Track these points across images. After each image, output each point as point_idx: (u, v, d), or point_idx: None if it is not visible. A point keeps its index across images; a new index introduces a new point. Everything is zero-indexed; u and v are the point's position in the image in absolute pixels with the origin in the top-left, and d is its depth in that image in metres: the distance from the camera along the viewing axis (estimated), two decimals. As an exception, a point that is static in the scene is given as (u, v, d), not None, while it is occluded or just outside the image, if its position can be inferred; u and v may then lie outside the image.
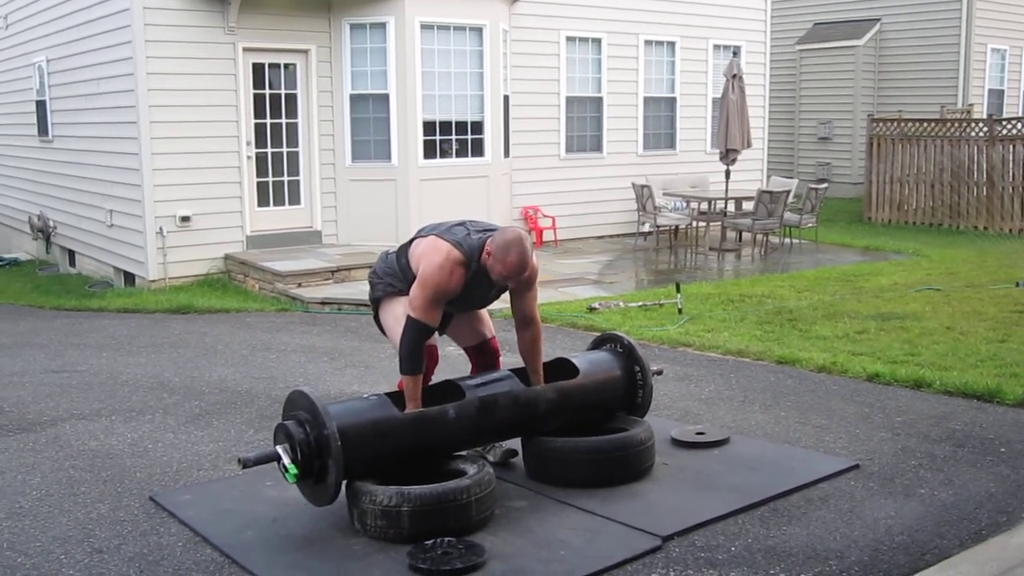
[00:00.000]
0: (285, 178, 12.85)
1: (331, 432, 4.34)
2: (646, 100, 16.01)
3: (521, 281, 4.88)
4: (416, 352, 4.69)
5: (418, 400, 4.72)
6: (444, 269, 4.70)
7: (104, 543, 4.52)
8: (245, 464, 4.39)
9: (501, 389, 4.95)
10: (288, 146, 12.84)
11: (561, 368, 5.31)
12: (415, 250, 4.94)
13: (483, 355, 5.30)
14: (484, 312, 5.34)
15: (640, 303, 10.15)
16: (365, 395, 4.81)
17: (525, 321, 5.07)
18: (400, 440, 4.63)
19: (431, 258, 4.74)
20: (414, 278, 4.83)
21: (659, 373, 5.80)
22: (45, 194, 15.62)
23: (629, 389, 5.44)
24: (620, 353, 5.49)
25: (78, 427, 6.35)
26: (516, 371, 5.15)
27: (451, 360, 7.48)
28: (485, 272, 4.77)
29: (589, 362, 5.40)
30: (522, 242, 4.70)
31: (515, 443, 5.33)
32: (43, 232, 15.53)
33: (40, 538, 4.59)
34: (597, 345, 5.68)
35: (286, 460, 4.40)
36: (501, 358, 5.42)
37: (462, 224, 4.93)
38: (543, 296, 9.91)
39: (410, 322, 4.69)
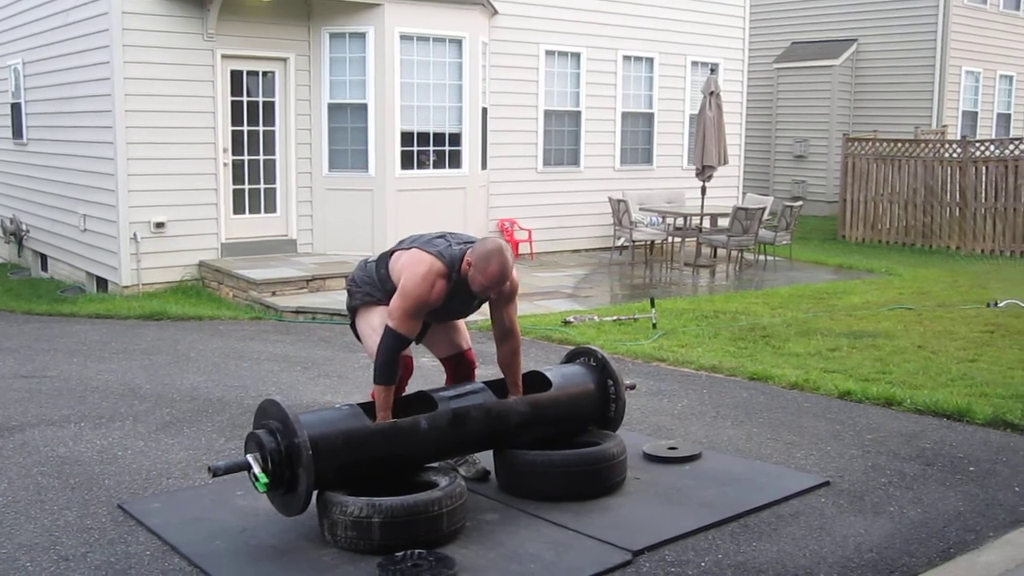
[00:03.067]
0: (261, 186, 12.82)
1: (302, 441, 4.32)
2: (624, 115, 16.08)
3: (502, 293, 4.89)
4: (391, 362, 4.68)
5: (390, 410, 4.71)
6: (427, 281, 4.70)
7: (71, 551, 4.48)
8: (215, 473, 4.36)
9: (474, 401, 4.94)
10: (265, 154, 12.80)
11: (534, 381, 5.31)
12: (396, 262, 4.92)
13: (459, 366, 5.30)
14: (462, 323, 5.33)
15: (615, 317, 10.17)
16: (337, 405, 4.79)
17: (505, 334, 5.07)
18: (372, 451, 4.61)
19: (414, 270, 4.73)
20: (393, 289, 4.82)
21: (632, 388, 5.80)
22: (18, 197, 15.50)
23: (602, 403, 5.44)
24: (593, 367, 5.50)
25: (47, 433, 6.29)
26: (489, 383, 5.14)
27: (425, 371, 7.47)
28: (466, 283, 4.77)
29: (563, 376, 5.40)
30: (502, 252, 4.70)
31: (488, 458, 5.32)
32: (15, 235, 15.41)
33: (6, 545, 4.54)
34: (571, 359, 5.68)
35: (256, 469, 4.37)
36: (477, 370, 5.41)
37: (443, 236, 4.93)
38: (518, 309, 9.91)
39: (388, 332, 4.68)
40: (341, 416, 4.64)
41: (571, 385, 5.35)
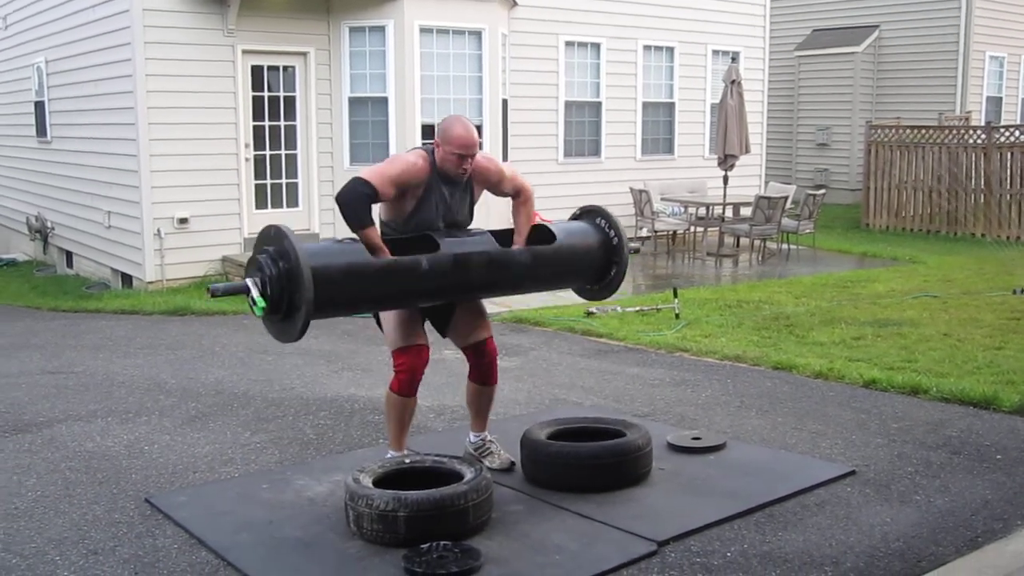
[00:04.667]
0: (283, 180, 12.86)
1: (301, 265, 4.28)
2: (645, 105, 16.03)
3: (490, 179, 5.08)
4: (356, 207, 4.59)
5: (382, 247, 4.64)
6: (410, 155, 4.86)
7: (99, 545, 4.52)
8: (214, 294, 4.39)
9: (476, 247, 4.92)
10: (286, 148, 12.84)
11: (540, 233, 5.25)
12: None
13: (480, 356, 5.30)
14: (483, 312, 5.34)
15: (637, 308, 10.15)
16: (339, 239, 4.73)
17: (518, 195, 5.20)
18: (370, 283, 4.60)
19: (397, 155, 4.91)
20: None
21: (636, 251, 5.79)
22: (43, 195, 15.61)
23: (604, 265, 5.39)
24: (600, 227, 5.42)
25: (74, 428, 6.34)
26: (496, 233, 5.13)
27: (448, 363, 7.48)
28: (446, 175, 4.86)
29: (568, 232, 5.32)
30: (459, 117, 4.89)
31: (514, 450, 5.33)
32: (41, 233, 15.53)
33: (35, 539, 4.59)
34: (581, 215, 5.60)
35: (255, 293, 4.38)
36: (499, 359, 5.42)
37: None
38: (540, 300, 9.92)
39: (354, 179, 4.63)
40: (342, 249, 4.61)
41: (576, 243, 5.30)
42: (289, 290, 4.37)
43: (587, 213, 5.55)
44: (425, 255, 4.73)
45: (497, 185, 5.17)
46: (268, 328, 4.63)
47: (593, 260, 5.34)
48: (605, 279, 5.43)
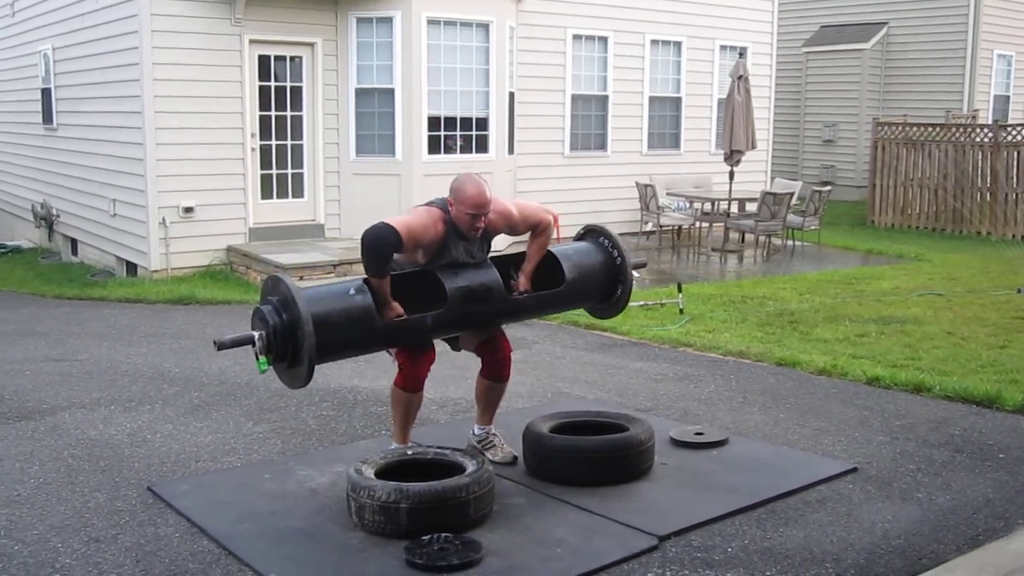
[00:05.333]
0: (289, 171, 12.85)
1: (304, 317, 4.38)
2: (651, 100, 16.00)
3: (505, 229, 5.11)
4: (377, 255, 4.64)
5: (391, 304, 4.70)
6: (431, 215, 4.86)
7: (101, 532, 4.53)
8: (221, 346, 4.52)
9: (481, 301, 4.95)
10: (292, 139, 12.83)
11: (548, 262, 5.28)
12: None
13: (495, 351, 5.26)
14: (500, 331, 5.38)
15: (641, 302, 10.15)
16: (351, 292, 4.73)
17: (535, 228, 5.20)
18: (376, 337, 4.75)
19: (419, 210, 4.92)
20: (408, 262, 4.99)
21: (643, 266, 5.88)
22: (49, 182, 15.62)
23: (606, 292, 5.45)
24: (603, 246, 5.46)
25: (77, 416, 6.35)
26: (507, 258, 5.22)
27: (452, 356, 7.48)
28: (459, 230, 4.88)
29: (578, 269, 5.31)
30: (471, 176, 4.92)
31: (516, 443, 5.33)
32: (46, 220, 15.54)
33: (37, 526, 4.60)
34: (587, 236, 5.61)
35: (258, 347, 4.48)
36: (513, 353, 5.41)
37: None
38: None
39: (379, 225, 4.65)
40: (348, 309, 4.63)
41: (582, 275, 5.33)
42: (293, 341, 4.48)
43: (590, 233, 5.60)
44: (431, 314, 4.81)
45: (513, 231, 5.23)
46: (278, 375, 4.73)
47: (598, 284, 5.42)
48: (611, 299, 5.49)
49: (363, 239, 4.65)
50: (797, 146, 23.13)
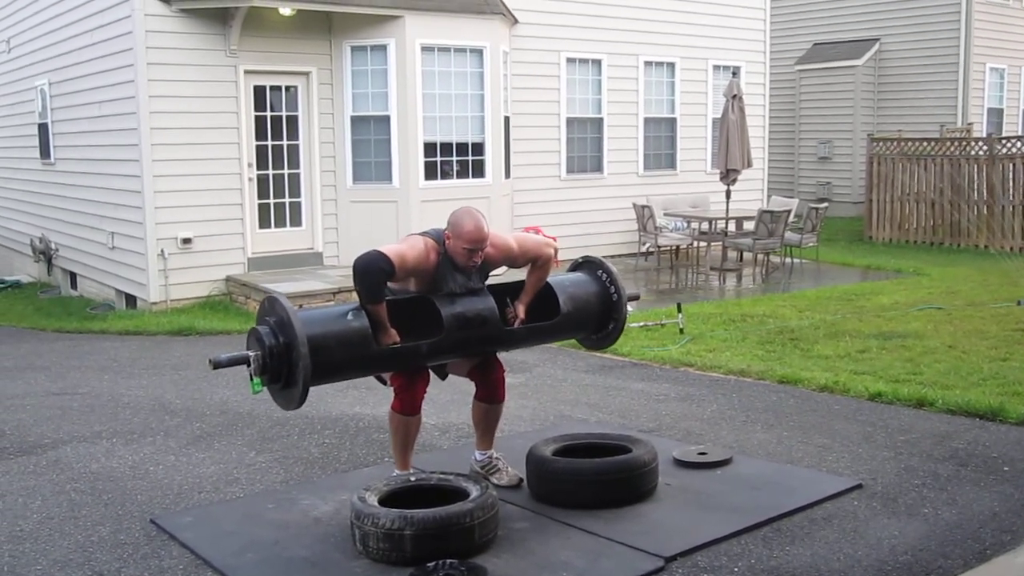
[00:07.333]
0: (286, 200, 12.88)
1: (299, 340, 4.37)
2: (646, 120, 16.06)
3: (503, 262, 5.10)
4: (370, 283, 4.63)
5: (390, 329, 4.72)
6: (426, 245, 4.86)
7: (105, 566, 4.51)
8: (216, 365, 4.45)
9: (476, 329, 4.96)
10: (289, 168, 12.87)
11: (545, 292, 5.31)
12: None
13: (489, 372, 5.27)
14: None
15: (641, 323, 10.14)
16: (349, 318, 4.71)
17: (535, 262, 5.20)
18: (371, 362, 4.78)
19: (413, 239, 4.91)
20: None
21: (636, 299, 5.87)
22: (47, 216, 15.65)
23: (600, 322, 5.47)
24: (600, 279, 5.47)
25: (79, 449, 6.34)
26: (501, 288, 5.22)
27: (452, 381, 7.47)
28: (454, 262, 4.89)
29: (572, 301, 5.34)
30: (469, 210, 4.90)
31: (520, 466, 5.32)
32: (45, 254, 15.56)
33: (41, 561, 4.58)
34: (583, 267, 5.64)
35: (253, 368, 4.46)
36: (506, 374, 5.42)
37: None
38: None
39: (372, 252, 4.64)
40: (344, 333, 4.63)
41: (576, 308, 5.34)
42: (289, 363, 4.47)
43: (588, 264, 5.62)
44: (426, 341, 4.83)
45: (512, 264, 5.25)
46: (272, 396, 4.72)
47: (592, 317, 5.44)
48: (603, 332, 5.52)
49: (355, 266, 4.66)
50: (793, 163, 23.20)
